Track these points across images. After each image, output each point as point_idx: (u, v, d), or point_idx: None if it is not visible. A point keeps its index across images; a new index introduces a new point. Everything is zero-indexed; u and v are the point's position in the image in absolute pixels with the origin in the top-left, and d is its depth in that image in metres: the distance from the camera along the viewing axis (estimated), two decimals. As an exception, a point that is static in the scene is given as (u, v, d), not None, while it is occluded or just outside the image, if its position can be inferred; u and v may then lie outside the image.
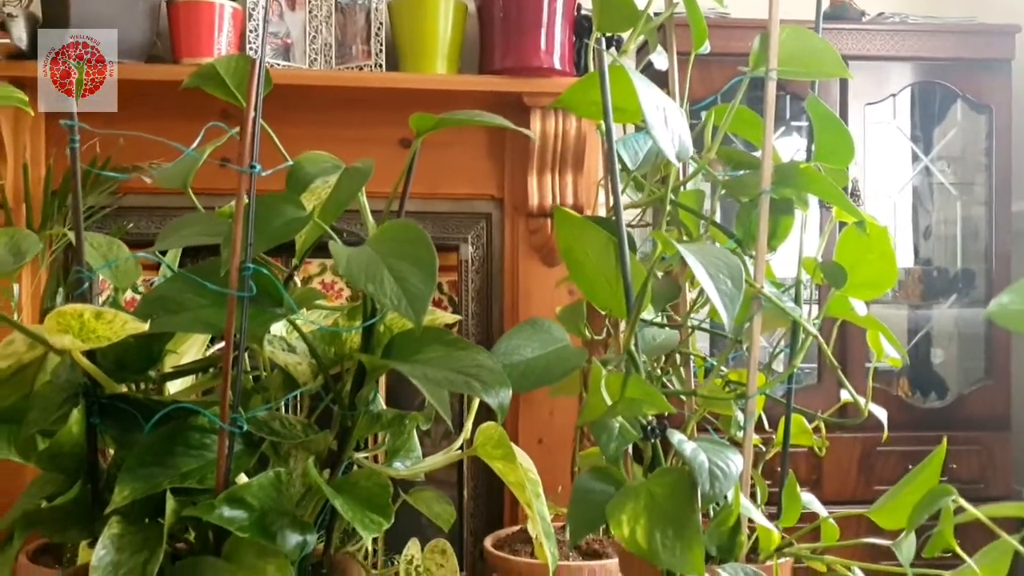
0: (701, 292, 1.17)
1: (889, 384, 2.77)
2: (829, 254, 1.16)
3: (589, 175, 2.38)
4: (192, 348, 1.14)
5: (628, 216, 1.05)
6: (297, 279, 1.13)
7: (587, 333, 1.48)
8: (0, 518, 0.99)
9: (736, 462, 0.96)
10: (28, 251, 0.95)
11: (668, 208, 1.11)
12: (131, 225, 2.27)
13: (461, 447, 1.17)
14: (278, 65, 2.33)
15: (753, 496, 1.14)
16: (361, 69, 2.35)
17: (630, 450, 1.08)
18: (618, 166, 1.06)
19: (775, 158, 1.09)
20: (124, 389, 0.98)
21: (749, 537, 1.07)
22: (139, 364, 1.01)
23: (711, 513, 1.08)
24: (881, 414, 1.25)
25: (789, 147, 2.84)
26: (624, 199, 1.07)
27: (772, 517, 1.09)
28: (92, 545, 0.89)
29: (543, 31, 2.32)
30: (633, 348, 1.00)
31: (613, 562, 1.51)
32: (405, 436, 1.14)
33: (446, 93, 2.29)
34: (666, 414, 1.00)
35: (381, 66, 2.35)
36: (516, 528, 1.72)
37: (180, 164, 1.07)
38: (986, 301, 2.75)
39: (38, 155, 2.25)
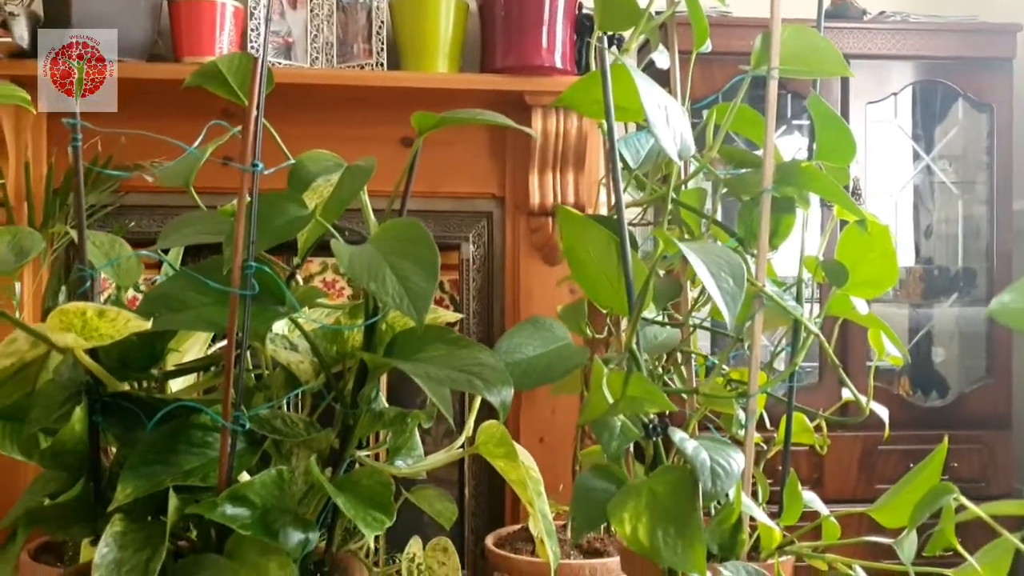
0: (703, 291, 1.18)
1: (890, 383, 2.77)
2: (830, 253, 1.16)
3: (590, 174, 2.38)
4: (194, 346, 1.15)
5: (630, 215, 1.05)
6: (299, 277, 1.13)
7: (588, 332, 1.49)
8: (1, 516, 0.99)
9: (737, 460, 0.96)
10: (31, 250, 0.95)
11: (670, 207, 1.11)
12: (132, 224, 2.27)
13: (463, 445, 1.18)
14: (279, 64, 2.34)
15: (754, 494, 1.14)
16: (362, 68, 2.35)
17: (631, 448, 1.08)
18: (620, 165, 1.06)
19: (776, 157, 1.09)
20: (126, 387, 0.99)
21: (750, 535, 1.07)
22: (141, 362, 1.01)
23: (712, 511, 1.08)
24: (882, 413, 1.25)
25: (790, 146, 2.84)
26: (626, 198, 1.07)
27: (773, 515, 1.09)
28: (94, 543, 0.89)
29: (544, 30, 2.32)
30: (635, 346, 1.00)
31: (614, 560, 1.51)
32: (407, 434, 1.14)
33: (447, 92, 2.29)
34: (667, 412, 1.00)
35: (382, 65, 2.35)
36: (517, 527, 1.72)
37: (182, 163, 1.07)
38: (987, 300, 2.75)
39: (40, 153, 2.26)
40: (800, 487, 1.13)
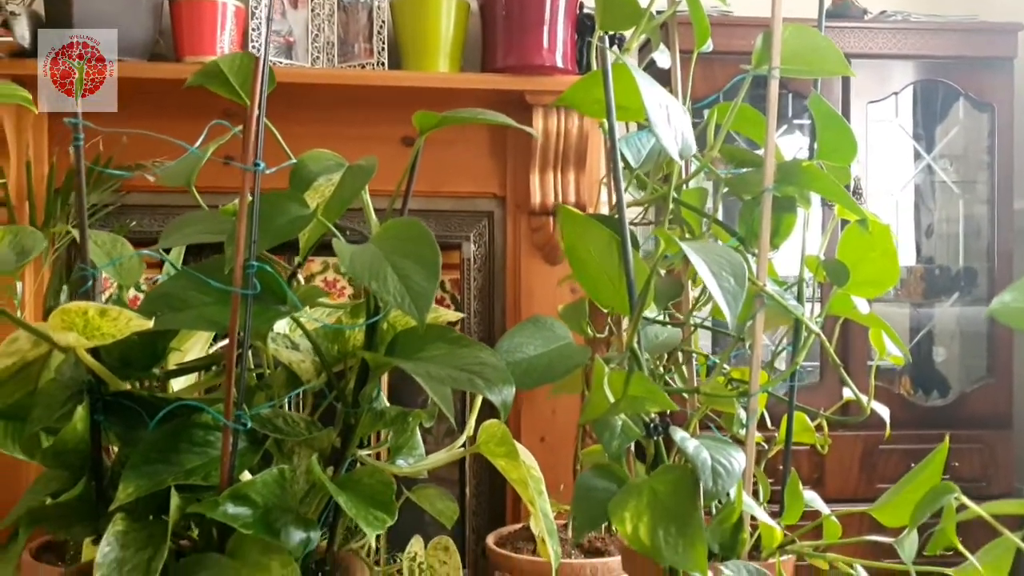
0: (704, 290, 1.18)
1: (891, 382, 2.77)
2: (831, 252, 1.16)
3: (591, 173, 2.38)
4: (196, 346, 1.15)
5: (631, 214, 1.05)
6: (300, 277, 1.13)
7: (589, 331, 1.49)
8: (3, 516, 1.00)
9: (739, 460, 0.96)
10: (32, 249, 0.95)
11: (671, 206, 1.11)
12: (134, 223, 2.27)
13: (464, 445, 1.18)
14: (280, 63, 2.34)
15: (755, 494, 1.14)
16: (363, 67, 2.35)
17: (632, 448, 1.08)
18: (621, 164, 1.06)
19: (777, 156, 1.09)
20: (128, 386, 0.99)
21: (751, 534, 1.07)
22: (143, 361, 1.01)
23: (714, 510, 1.08)
24: (883, 412, 1.25)
25: (791, 145, 2.84)
26: (627, 197, 1.07)
27: (774, 515, 1.09)
28: (96, 542, 0.89)
29: (545, 29, 2.32)
30: (636, 346, 1.00)
31: (615, 560, 1.51)
32: (408, 434, 1.14)
33: (448, 91, 2.29)
34: (669, 412, 1.00)
35: (383, 64, 2.35)
36: (518, 526, 1.72)
37: (183, 162, 1.07)
38: (988, 299, 2.75)
39: (41, 153, 2.26)
40: (801, 486, 1.13)
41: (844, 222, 1.15)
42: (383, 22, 2.35)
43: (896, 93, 2.74)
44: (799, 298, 1.14)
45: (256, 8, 2.30)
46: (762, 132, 1.10)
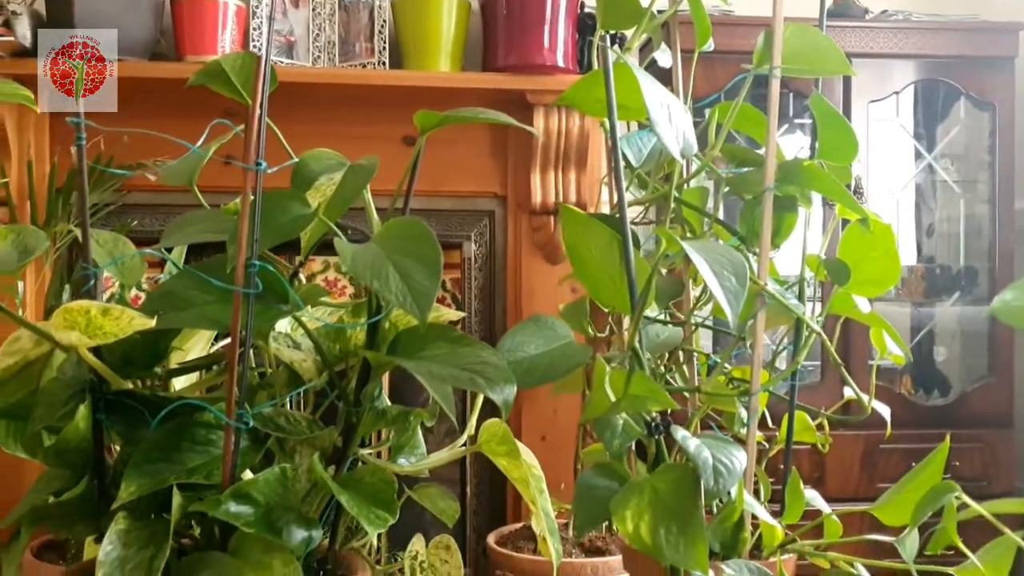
0: (705, 289, 1.18)
1: (892, 382, 2.77)
2: (832, 251, 1.16)
3: (592, 172, 2.38)
4: (197, 345, 1.15)
5: (632, 213, 1.05)
6: (302, 276, 1.13)
7: (590, 330, 1.49)
8: (5, 515, 1.00)
9: (740, 459, 0.96)
10: (35, 248, 0.95)
11: (672, 205, 1.11)
12: (135, 222, 2.27)
13: (465, 444, 1.18)
14: (282, 63, 2.34)
15: (756, 493, 1.14)
16: (364, 67, 2.35)
17: (633, 446, 1.08)
18: (622, 163, 1.06)
19: (779, 155, 1.09)
20: (130, 385, 0.99)
21: (752, 533, 1.07)
22: (145, 360, 1.01)
23: (715, 509, 1.08)
24: (884, 411, 1.25)
25: (792, 144, 2.84)
26: (628, 196, 1.07)
27: (775, 514, 1.09)
28: (98, 541, 0.89)
29: (546, 28, 2.32)
30: (637, 345, 1.00)
31: (616, 559, 1.51)
32: (409, 433, 1.14)
33: (449, 91, 2.29)
34: (670, 411, 1.00)
35: (384, 64, 2.35)
36: (519, 525, 1.72)
37: (185, 161, 1.07)
38: (989, 299, 2.75)
39: (42, 152, 2.26)
40: (802, 485, 1.13)
41: (845, 221, 1.15)
42: (384, 21, 2.35)
43: (897, 92, 2.74)
44: (800, 297, 1.14)
45: (257, 7, 2.30)
46: (763, 131, 1.10)
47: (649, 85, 0.99)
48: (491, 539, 1.65)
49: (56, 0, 2.17)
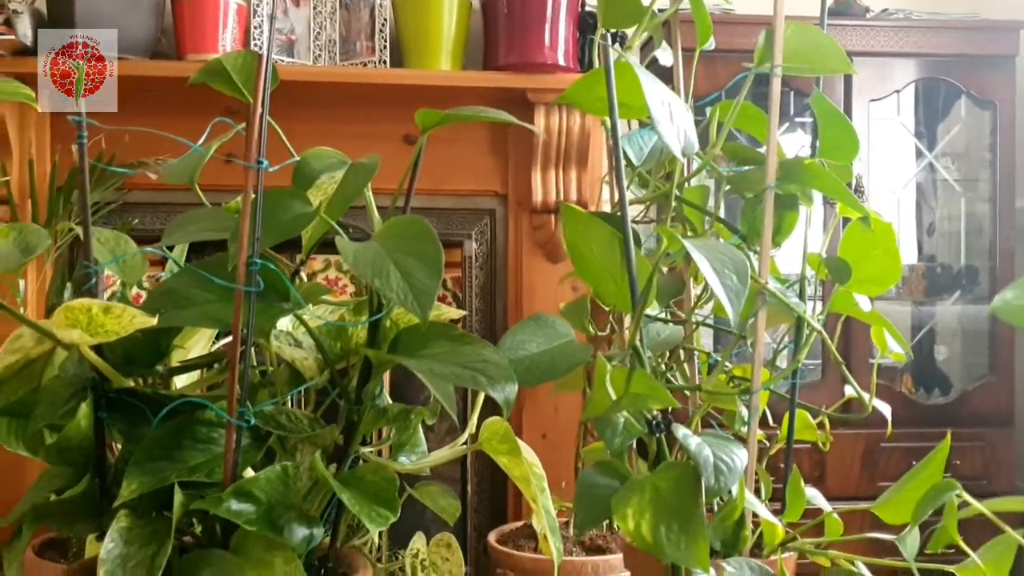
0: (706, 287, 1.18)
1: (893, 380, 2.77)
2: (833, 250, 1.16)
3: (593, 171, 2.38)
4: (199, 343, 1.15)
5: (633, 212, 1.05)
6: (303, 274, 1.13)
7: (591, 329, 1.49)
8: (6, 513, 1.00)
9: (740, 457, 0.96)
10: (36, 246, 0.95)
11: (673, 204, 1.11)
12: (136, 221, 2.26)
13: (466, 442, 1.18)
14: (283, 61, 2.34)
15: (757, 491, 1.15)
16: (365, 65, 2.35)
17: (634, 445, 1.08)
18: (623, 162, 1.06)
19: (779, 154, 1.09)
20: (132, 383, 0.99)
21: (753, 532, 1.07)
22: (147, 359, 1.02)
23: (716, 508, 1.08)
24: (885, 410, 1.25)
25: (793, 143, 2.84)
26: (629, 195, 1.07)
27: (776, 512, 1.09)
28: (100, 538, 0.89)
29: (547, 27, 2.32)
30: (638, 343, 1.01)
31: (616, 557, 1.51)
32: (410, 431, 1.15)
33: (450, 89, 2.29)
34: (670, 409, 1.01)
35: (385, 62, 2.35)
36: (520, 523, 1.72)
37: (186, 160, 1.07)
38: (990, 297, 2.75)
39: (43, 150, 2.26)
40: (803, 484, 1.13)
41: (846, 220, 1.16)
42: (385, 20, 2.35)
43: (898, 91, 2.74)
44: (801, 296, 1.15)
45: (258, 6, 2.30)
46: (764, 130, 1.10)
47: (650, 83, 0.99)
48: (492, 537, 1.65)
49: (57, -1, 2.17)
